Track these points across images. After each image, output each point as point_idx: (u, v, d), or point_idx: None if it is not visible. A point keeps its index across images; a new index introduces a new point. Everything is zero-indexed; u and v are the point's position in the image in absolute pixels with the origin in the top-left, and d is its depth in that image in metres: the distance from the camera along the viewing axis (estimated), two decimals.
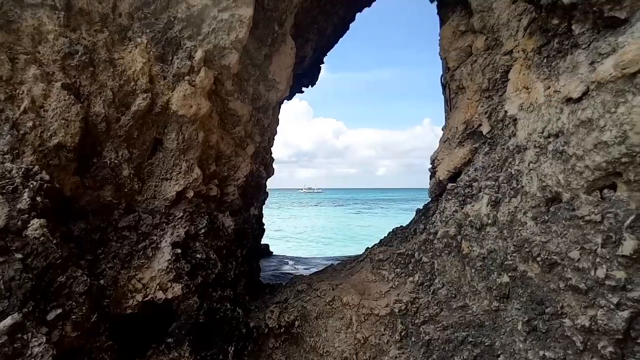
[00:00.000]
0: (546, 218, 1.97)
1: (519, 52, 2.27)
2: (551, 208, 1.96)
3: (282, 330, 3.15)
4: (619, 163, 1.59)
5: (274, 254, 8.12)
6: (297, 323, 3.15)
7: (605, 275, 1.69)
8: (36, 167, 2.13)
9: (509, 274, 2.23)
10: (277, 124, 3.77)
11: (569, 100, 1.81)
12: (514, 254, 2.19)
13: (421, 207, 3.59)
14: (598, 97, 1.65)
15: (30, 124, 2.15)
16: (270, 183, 4.05)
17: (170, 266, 2.60)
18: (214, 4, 2.52)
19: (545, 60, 2.03)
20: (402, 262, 3.05)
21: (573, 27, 1.77)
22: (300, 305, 3.23)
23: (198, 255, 2.80)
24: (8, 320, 1.82)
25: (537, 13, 2.01)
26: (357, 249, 8.11)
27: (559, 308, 1.89)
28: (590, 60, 1.71)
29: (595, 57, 1.68)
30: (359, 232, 23.03)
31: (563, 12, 1.78)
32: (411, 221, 3.56)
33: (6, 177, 2.04)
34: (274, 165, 4.00)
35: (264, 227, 4.05)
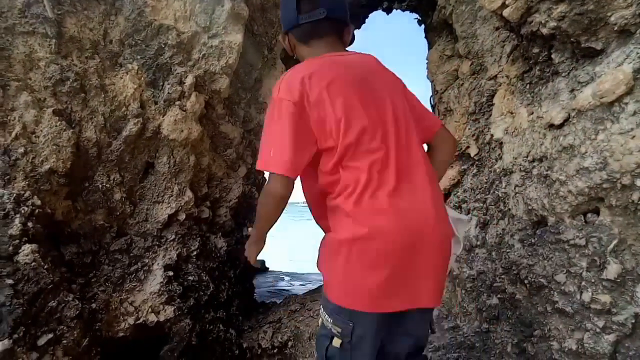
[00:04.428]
0: (533, 241, 1.99)
1: (503, 77, 2.31)
2: (537, 231, 1.98)
3: (275, 351, 3.14)
4: (601, 188, 1.62)
5: (270, 269, 8.09)
6: (290, 343, 3.14)
7: (590, 298, 1.70)
8: (28, 193, 2.15)
9: (498, 296, 2.24)
10: None
11: (551, 126, 1.84)
12: (503, 276, 2.21)
13: None
14: (579, 124, 1.68)
15: (21, 149, 2.17)
16: None
17: (162, 289, 2.61)
18: (204, 30, 2.57)
19: (528, 87, 2.07)
20: None
21: (553, 55, 1.80)
22: (294, 325, 3.23)
23: (190, 277, 2.81)
24: None
25: (519, 41, 2.06)
26: None
27: (546, 331, 1.90)
28: (571, 87, 1.74)
29: (575, 85, 1.72)
30: None
31: (543, 41, 1.82)
32: None
33: None
34: None
35: None
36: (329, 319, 1.38)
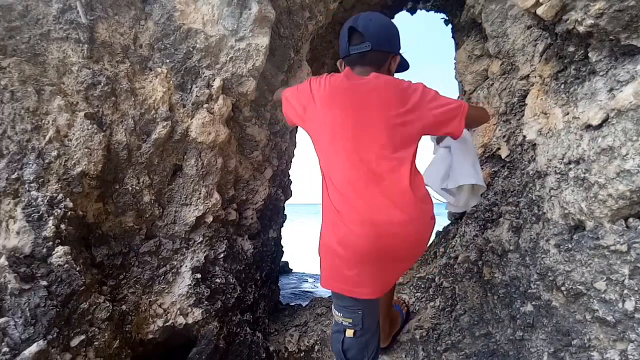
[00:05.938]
0: (570, 246, 1.91)
1: (535, 77, 2.24)
2: (574, 236, 1.90)
3: (302, 355, 3.13)
4: None
5: (293, 271, 8.08)
6: (317, 347, 3.12)
7: (634, 307, 1.62)
8: (60, 195, 2.19)
9: (533, 303, 2.17)
10: (295, 147, 3.80)
11: (588, 127, 1.77)
12: (538, 282, 2.13)
13: (441, 229, 3.54)
14: (619, 125, 1.61)
15: (54, 153, 2.21)
16: (296, 199, 4.07)
17: (190, 291, 2.62)
18: (231, 34, 2.58)
19: (562, 86, 1.99)
20: (422, 286, 3.00)
21: (590, 54, 1.73)
22: (320, 329, 3.21)
23: (218, 280, 2.81)
24: (33, 347, 1.86)
25: (553, 40, 1.99)
26: None
27: (586, 340, 1.82)
28: (609, 87, 1.67)
29: (613, 84, 1.65)
30: None
31: (579, 39, 1.76)
32: (430, 243, 3.51)
33: (32, 205, 2.10)
34: (297, 182, 4.00)
35: (283, 248, 4.06)
36: (339, 314, 1.64)
